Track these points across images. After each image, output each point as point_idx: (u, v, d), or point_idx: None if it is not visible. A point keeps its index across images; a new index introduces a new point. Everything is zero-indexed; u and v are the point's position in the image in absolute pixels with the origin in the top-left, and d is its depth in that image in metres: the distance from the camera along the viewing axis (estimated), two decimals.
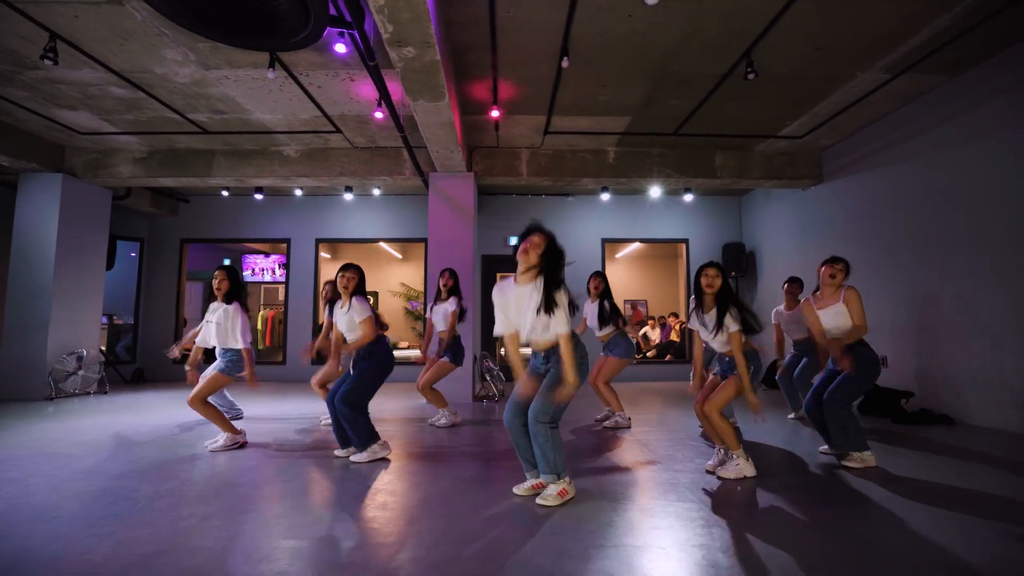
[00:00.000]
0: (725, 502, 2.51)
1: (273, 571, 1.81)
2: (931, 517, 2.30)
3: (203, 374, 3.78)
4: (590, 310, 4.58)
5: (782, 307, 4.89)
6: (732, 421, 3.37)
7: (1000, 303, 4.31)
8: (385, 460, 3.33)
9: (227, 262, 10.13)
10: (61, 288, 6.33)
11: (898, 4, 3.67)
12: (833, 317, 3.29)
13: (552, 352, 2.59)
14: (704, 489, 2.70)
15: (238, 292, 3.85)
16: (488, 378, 6.29)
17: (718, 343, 3.01)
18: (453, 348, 4.55)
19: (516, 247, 2.59)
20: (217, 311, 3.78)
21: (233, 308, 3.77)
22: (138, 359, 8.41)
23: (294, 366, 8.34)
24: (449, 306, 4.54)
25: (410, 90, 4.16)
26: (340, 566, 1.86)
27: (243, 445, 3.74)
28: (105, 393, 6.59)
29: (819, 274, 3.46)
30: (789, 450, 3.62)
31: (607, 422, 4.48)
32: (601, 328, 4.50)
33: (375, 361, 3.39)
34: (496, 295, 2.67)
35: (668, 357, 9.21)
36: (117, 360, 8.32)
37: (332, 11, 3.40)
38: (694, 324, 3.14)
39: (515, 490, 2.63)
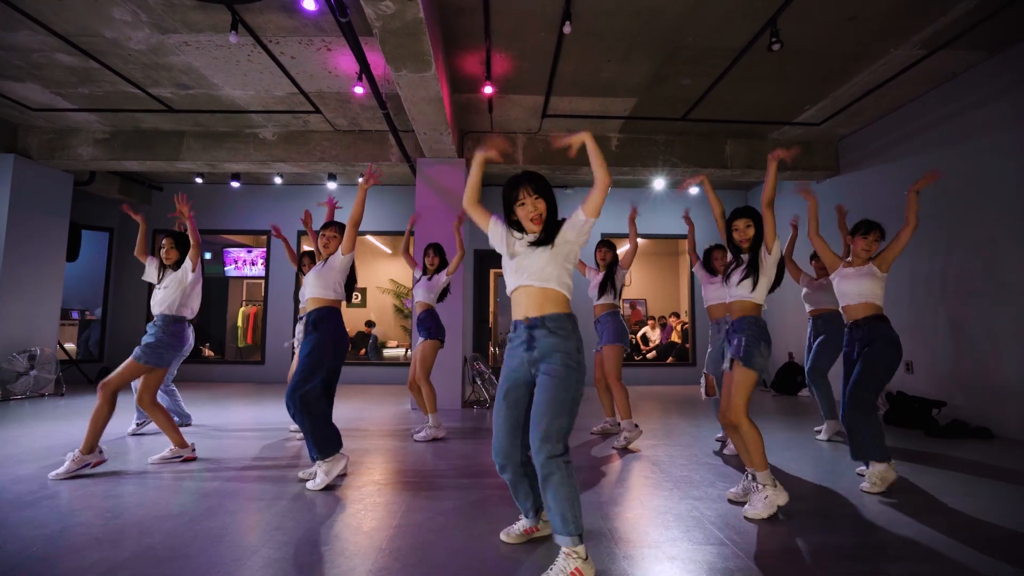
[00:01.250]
0: (765, 546, 2.04)
1: None
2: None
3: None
4: (595, 281, 4.15)
5: (812, 274, 4.31)
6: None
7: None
8: (342, 477, 2.83)
9: (208, 256, 9.67)
10: (12, 279, 5.78)
11: None
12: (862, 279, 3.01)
13: (540, 324, 1.85)
14: (735, 527, 2.22)
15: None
16: (479, 382, 5.81)
17: (746, 289, 2.54)
18: (428, 323, 4.06)
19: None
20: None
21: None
22: (106, 357, 7.86)
23: (273, 366, 7.83)
24: (440, 276, 4.16)
25: (391, 57, 3.66)
26: None
27: (189, 460, 3.23)
28: (61, 395, 6.04)
29: (850, 244, 3.23)
30: (819, 480, 3.16)
31: (619, 439, 3.77)
32: (600, 296, 4.06)
33: (328, 328, 2.86)
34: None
35: (670, 360, 8.75)
36: (90, 358, 7.79)
37: None
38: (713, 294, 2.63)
39: (502, 537, 2.06)
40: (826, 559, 1.92)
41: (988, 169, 4.36)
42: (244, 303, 10.66)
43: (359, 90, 4.63)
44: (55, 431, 4.11)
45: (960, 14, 3.71)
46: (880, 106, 5.25)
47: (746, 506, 2.39)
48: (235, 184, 7.43)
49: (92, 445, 2.94)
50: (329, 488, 2.71)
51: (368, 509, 2.43)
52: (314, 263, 3.90)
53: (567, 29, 3.70)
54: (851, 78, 4.71)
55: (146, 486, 2.76)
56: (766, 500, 2.33)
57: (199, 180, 7.43)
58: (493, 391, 5.86)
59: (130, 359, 3.11)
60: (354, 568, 1.82)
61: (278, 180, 7.55)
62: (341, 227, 3.12)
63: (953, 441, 3.99)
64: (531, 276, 1.89)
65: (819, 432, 4.07)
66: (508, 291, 2.00)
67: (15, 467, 3.06)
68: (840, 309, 3.19)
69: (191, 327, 3.52)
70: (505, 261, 2.01)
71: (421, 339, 4.09)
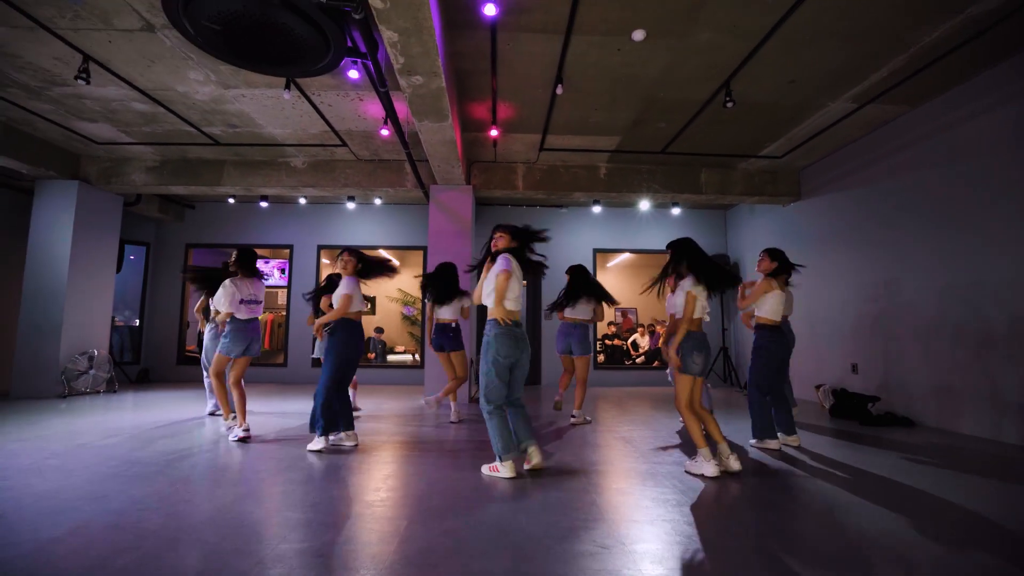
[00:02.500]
0: (698, 489, 2.85)
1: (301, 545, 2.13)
2: (836, 496, 2.66)
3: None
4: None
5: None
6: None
7: (951, 312, 4.70)
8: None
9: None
10: (74, 291, 6.59)
11: (858, 45, 4.08)
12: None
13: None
14: (680, 478, 3.04)
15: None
16: None
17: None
18: (459, 336, 5.04)
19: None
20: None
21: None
22: (143, 360, 8.65)
23: (295, 368, 8.62)
24: (465, 302, 5.08)
25: (416, 112, 4.51)
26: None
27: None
28: (115, 392, 6.84)
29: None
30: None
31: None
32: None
33: (343, 335, 3.73)
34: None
35: (656, 364, 9.56)
36: (120, 359, 8.57)
37: (349, 43, 3.75)
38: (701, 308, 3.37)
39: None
40: (729, 496, 2.74)
41: (911, 198, 5.21)
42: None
43: (384, 132, 5.48)
44: (133, 417, 4.91)
45: (877, 80, 4.58)
46: (829, 144, 6.13)
47: (688, 463, 3.24)
48: (263, 204, 8.27)
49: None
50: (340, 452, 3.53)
51: (386, 463, 3.25)
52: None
53: (559, 91, 4.57)
54: (800, 124, 5.58)
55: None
56: (697, 464, 3.16)
57: (231, 200, 8.26)
58: None
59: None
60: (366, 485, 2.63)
61: (303, 201, 8.39)
62: (355, 252, 3.95)
63: (882, 428, 4.81)
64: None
65: None
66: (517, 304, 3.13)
67: (131, 442, 3.86)
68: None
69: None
70: (515, 284, 3.15)
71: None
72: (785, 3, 3.59)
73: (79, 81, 4.35)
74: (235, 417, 4.13)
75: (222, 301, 4.10)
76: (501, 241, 3.28)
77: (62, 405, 5.70)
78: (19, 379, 6.29)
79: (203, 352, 5.14)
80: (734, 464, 3.15)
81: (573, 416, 4.97)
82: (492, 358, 3.12)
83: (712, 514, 2.46)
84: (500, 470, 3.03)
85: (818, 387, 6.16)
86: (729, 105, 4.66)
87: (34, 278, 6.48)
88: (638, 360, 10.14)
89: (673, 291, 3.76)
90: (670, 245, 3.47)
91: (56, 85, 4.91)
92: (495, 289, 3.09)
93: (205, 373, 5.12)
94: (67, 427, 4.45)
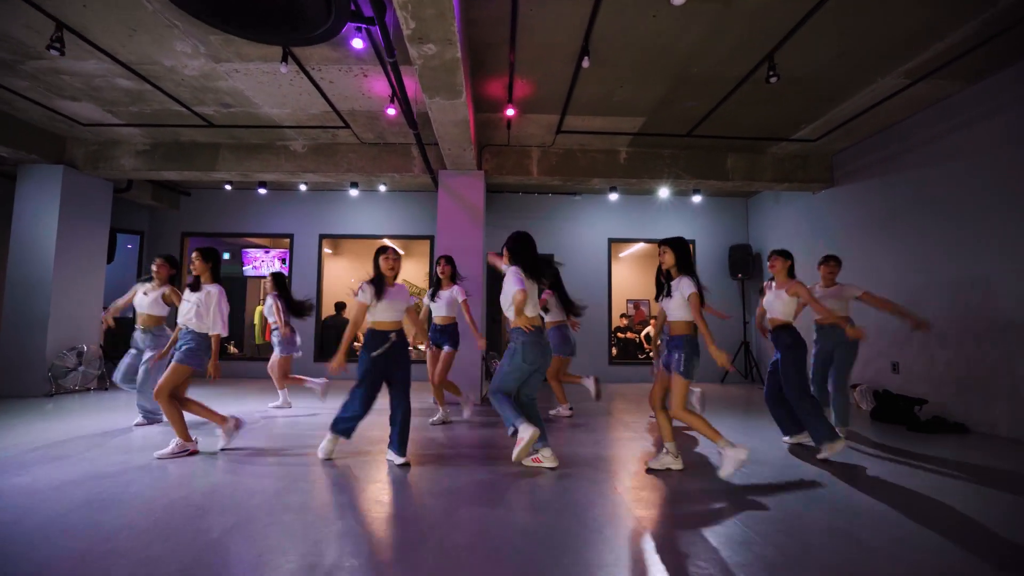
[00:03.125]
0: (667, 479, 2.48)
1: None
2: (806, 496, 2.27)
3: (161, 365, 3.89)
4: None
5: (818, 285, 4.41)
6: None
7: (1003, 309, 4.29)
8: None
9: (227, 256, 10.09)
10: (61, 282, 6.20)
11: (927, 7, 3.62)
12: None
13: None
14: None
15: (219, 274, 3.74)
16: None
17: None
18: (454, 335, 4.74)
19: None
20: (197, 293, 3.58)
21: (218, 290, 3.59)
22: None
23: (295, 363, 8.24)
24: (458, 295, 4.63)
25: (427, 88, 4.07)
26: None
27: (193, 453, 3.49)
28: (106, 389, 6.48)
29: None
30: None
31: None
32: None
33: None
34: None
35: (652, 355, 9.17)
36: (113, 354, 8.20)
37: (352, 6, 3.31)
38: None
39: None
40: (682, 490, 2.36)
41: (967, 187, 4.77)
42: (261, 302, 11.10)
43: (391, 111, 5.04)
44: (119, 419, 4.54)
45: (939, 51, 4.12)
46: (872, 125, 5.66)
47: (651, 460, 3.28)
48: (262, 191, 7.85)
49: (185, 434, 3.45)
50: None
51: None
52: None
53: (585, 63, 4.11)
54: (843, 102, 5.12)
55: (218, 468, 3.20)
56: (662, 460, 3.25)
57: (228, 187, 7.83)
58: None
59: (175, 363, 3.43)
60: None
61: (303, 187, 7.97)
62: (397, 255, 3.50)
63: (931, 435, 4.42)
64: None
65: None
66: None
67: (112, 452, 3.49)
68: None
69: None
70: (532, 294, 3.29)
71: (447, 348, 4.69)
72: None
73: (52, 52, 3.91)
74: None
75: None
76: (504, 259, 3.44)
77: (48, 405, 5.35)
78: (3, 376, 5.92)
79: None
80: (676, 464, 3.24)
81: (552, 412, 5.18)
82: (518, 363, 3.23)
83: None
84: (541, 460, 3.24)
85: (854, 387, 5.77)
86: (773, 80, 4.19)
87: (18, 268, 6.09)
88: (651, 354, 9.74)
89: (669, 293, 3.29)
90: (669, 242, 3.29)
91: (31, 59, 4.47)
92: (513, 304, 3.12)
93: None
94: (45, 433, 4.07)
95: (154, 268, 4.50)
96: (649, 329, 10.35)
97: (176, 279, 4.77)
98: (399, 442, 3.29)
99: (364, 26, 3.59)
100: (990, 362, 4.50)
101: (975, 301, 4.65)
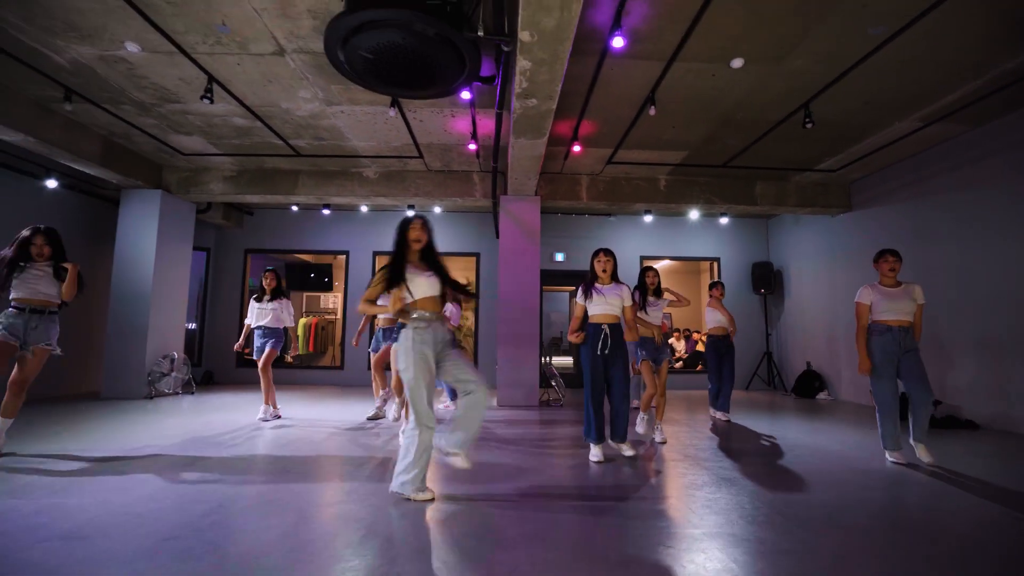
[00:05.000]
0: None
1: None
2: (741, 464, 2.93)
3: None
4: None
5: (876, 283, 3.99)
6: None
7: (1001, 324, 4.99)
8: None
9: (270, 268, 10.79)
10: (159, 298, 6.86)
11: (937, 71, 4.37)
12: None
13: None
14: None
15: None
16: (553, 384, 6.88)
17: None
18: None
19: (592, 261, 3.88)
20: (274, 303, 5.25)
21: (287, 301, 5.39)
22: (204, 362, 8.91)
23: (351, 371, 8.88)
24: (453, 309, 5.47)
25: (518, 130, 4.79)
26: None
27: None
28: (192, 393, 7.10)
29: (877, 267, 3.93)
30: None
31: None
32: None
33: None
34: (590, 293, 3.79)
35: (699, 367, 9.83)
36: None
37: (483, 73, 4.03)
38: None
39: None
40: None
41: (971, 215, 5.51)
42: (304, 314, 11.78)
43: (472, 146, 5.77)
44: (225, 418, 5.18)
45: (950, 101, 4.88)
46: (885, 160, 6.42)
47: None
48: (326, 212, 8.56)
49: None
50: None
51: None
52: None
53: (651, 112, 4.85)
54: (863, 141, 5.87)
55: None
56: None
57: (295, 208, 8.52)
58: (564, 392, 6.93)
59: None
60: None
61: (364, 209, 8.68)
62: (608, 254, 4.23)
63: (944, 431, 5.08)
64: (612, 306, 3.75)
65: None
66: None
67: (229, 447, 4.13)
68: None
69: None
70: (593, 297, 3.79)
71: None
72: (884, 35, 3.88)
73: (204, 101, 4.63)
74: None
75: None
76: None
77: (148, 405, 5.97)
78: (109, 381, 6.55)
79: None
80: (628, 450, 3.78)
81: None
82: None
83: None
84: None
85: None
86: (809, 126, 4.95)
87: (121, 283, 6.75)
88: (676, 365, 10.41)
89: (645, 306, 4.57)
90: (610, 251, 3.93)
91: (169, 102, 5.19)
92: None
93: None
94: (180, 428, 4.71)
95: (265, 282, 5.30)
96: (672, 341, 11.02)
97: (278, 291, 5.42)
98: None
99: (478, 83, 4.31)
100: (986, 369, 5.19)
101: (977, 316, 5.35)
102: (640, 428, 4.80)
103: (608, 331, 3.69)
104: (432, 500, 2.67)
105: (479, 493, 2.86)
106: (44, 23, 3.83)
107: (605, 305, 3.73)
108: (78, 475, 3.06)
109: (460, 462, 2.73)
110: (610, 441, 3.85)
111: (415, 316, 2.73)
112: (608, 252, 3.84)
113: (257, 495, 2.78)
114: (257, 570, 1.91)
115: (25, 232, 3.64)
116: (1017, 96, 4.75)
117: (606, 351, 3.66)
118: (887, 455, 3.78)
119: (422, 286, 2.79)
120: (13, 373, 3.49)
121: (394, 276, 2.78)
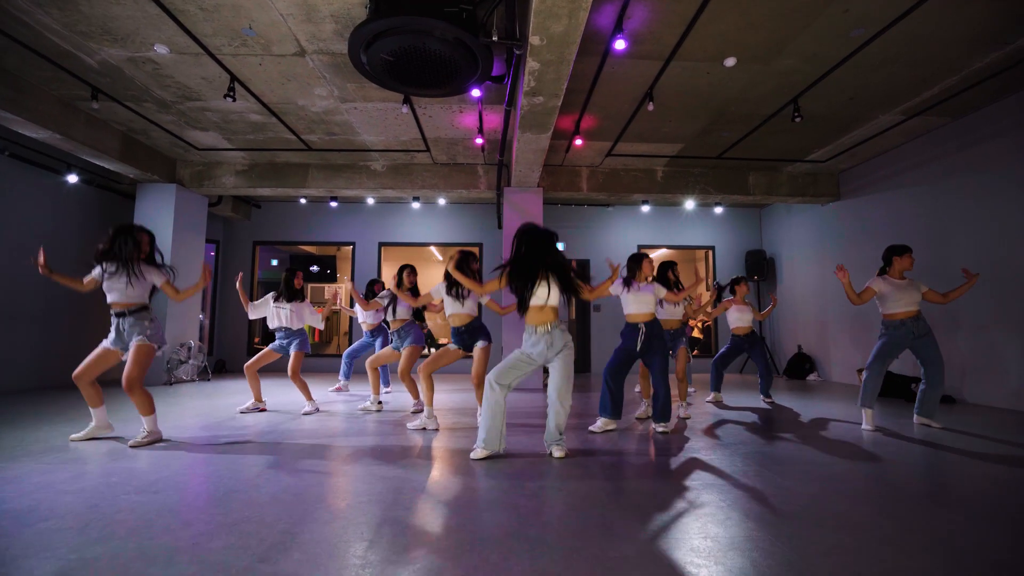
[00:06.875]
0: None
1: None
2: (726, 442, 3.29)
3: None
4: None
5: (886, 276, 4.29)
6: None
7: (983, 304, 5.35)
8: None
9: (274, 263, 11.04)
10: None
11: (917, 69, 4.68)
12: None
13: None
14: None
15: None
16: None
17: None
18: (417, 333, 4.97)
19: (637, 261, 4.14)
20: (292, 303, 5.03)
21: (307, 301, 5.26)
22: (216, 351, 9.19)
23: (360, 364, 9.17)
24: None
25: (524, 125, 5.06)
26: None
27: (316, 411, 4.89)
28: (208, 380, 7.39)
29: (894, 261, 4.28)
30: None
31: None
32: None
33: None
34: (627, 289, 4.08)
35: (695, 352, 10.19)
36: None
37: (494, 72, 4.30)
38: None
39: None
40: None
41: (952, 201, 5.85)
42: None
43: (479, 141, 6.05)
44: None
45: (930, 95, 5.19)
46: (871, 151, 6.75)
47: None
48: (333, 204, 8.80)
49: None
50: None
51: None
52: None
53: (650, 107, 5.14)
54: (849, 133, 6.19)
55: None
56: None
57: (303, 201, 8.77)
58: None
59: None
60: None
61: (371, 201, 8.94)
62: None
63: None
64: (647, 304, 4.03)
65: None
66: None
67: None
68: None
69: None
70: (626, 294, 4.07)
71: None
72: (864, 36, 4.19)
73: (227, 99, 4.88)
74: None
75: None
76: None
77: (170, 391, 6.25)
78: None
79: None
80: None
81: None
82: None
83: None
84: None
85: (860, 371, 6.80)
86: (797, 120, 5.25)
87: None
88: (694, 353, 10.75)
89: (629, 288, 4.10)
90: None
91: (189, 100, 5.43)
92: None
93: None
94: (207, 409, 5.00)
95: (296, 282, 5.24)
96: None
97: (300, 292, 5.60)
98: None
99: (488, 81, 4.58)
100: (967, 348, 5.56)
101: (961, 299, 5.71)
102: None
103: (644, 328, 3.96)
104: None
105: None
106: (83, 28, 4.07)
107: (640, 304, 3.99)
108: (126, 449, 3.37)
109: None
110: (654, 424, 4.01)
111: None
112: (651, 260, 4.24)
113: (343, 472, 3.09)
114: (322, 511, 2.22)
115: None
116: (992, 90, 5.06)
117: (644, 346, 3.96)
118: (863, 416, 4.18)
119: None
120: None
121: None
